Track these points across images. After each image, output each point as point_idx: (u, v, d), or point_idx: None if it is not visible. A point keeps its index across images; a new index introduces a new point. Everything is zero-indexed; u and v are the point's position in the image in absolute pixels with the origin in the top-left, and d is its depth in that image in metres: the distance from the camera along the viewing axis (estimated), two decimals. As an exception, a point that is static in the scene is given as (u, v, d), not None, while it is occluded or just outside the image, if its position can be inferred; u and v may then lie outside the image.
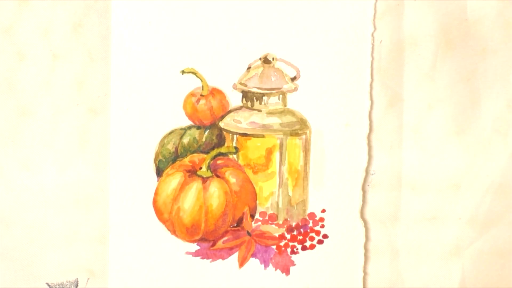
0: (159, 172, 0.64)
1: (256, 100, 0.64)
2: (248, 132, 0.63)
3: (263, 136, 0.63)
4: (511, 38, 0.62)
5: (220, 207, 0.63)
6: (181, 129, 0.64)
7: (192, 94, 0.64)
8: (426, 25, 0.62)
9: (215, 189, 0.63)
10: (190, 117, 0.64)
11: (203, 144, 0.64)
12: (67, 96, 0.64)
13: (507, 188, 0.63)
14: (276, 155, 0.64)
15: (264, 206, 0.64)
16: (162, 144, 0.64)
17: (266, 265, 0.64)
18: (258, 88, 0.63)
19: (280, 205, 0.64)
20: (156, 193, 0.64)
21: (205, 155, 0.64)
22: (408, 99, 0.63)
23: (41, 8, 0.63)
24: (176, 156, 0.64)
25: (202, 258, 0.64)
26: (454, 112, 0.63)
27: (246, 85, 0.63)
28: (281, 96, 0.64)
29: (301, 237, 0.64)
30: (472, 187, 0.63)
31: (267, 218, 0.64)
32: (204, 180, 0.63)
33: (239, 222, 0.64)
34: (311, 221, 0.64)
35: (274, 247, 0.64)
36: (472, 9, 0.62)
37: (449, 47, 0.63)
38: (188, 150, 0.64)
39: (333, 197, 0.63)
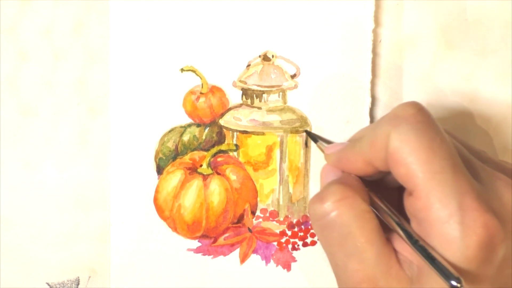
0: (160, 170, 0.65)
1: (256, 98, 0.64)
2: (248, 130, 0.64)
3: (263, 134, 0.64)
4: (511, 38, 0.63)
5: (221, 204, 0.64)
6: (181, 127, 0.65)
7: (191, 92, 0.64)
8: (426, 25, 0.63)
9: (215, 186, 0.64)
10: (190, 115, 0.65)
11: (203, 142, 0.65)
12: (68, 96, 0.64)
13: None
14: (276, 153, 0.64)
15: (265, 203, 0.65)
16: (162, 142, 0.65)
17: (267, 261, 0.65)
18: (258, 85, 0.64)
19: (281, 202, 0.65)
20: (156, 191, 0.65)
21: (205, 153, 0.65)
22: (407, 98, 0.63)
23: (43, 7, 0.63)
24: (176, 154, 0.65)
25: (204, 255, 0.65)
26: (454, 112, 0.63)
27: (246, 83, 0.64)
28: (281, 93, 0.64)
29: (302, 234, 0.65)
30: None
31: (268, 215, 0.65)
32: (205, 177, 0.64)
33: (240, 219, 0.65)
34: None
35: (275, 243, 0.65)
36: (472, 9, 0.63)
37: (449, 47, 0.63)
38: (188, 148, 0.65)
39: (333, 194, 0.64)
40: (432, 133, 0.48)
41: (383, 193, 0.53)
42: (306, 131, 0.64)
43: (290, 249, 0.65)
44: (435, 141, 0.47)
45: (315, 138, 0.61)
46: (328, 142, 0.59)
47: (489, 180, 0.49)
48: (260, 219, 0.66)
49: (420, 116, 0.49)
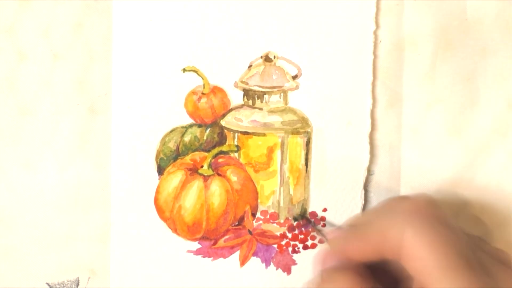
0: (161, 170, 0.66)
1: (257, 99, 0.66)
2: (250, 131, 0.65)
3: (264, 135, 0.65)
4: (511, 38, 0.64)
5: (222, 206, 0.65)
6: (183, 127, 0.66)
7: (193, 93, 0.65)
8: (426, 25, 0.64)
9: (216, 187, 0.65)
10: (191, 115, 0.66)
11: (204, 143, 0.66)
12: (68, 96, 0.65)
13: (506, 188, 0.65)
14: (277, 154, 0.65)
15: (266, 204, 0.66)
16: (163, 142, 0.66)
17: (267, 264, 0.66)
18: (259, 86, 0.65)
19: (281, 204, 0.66)
20: (157, 191, 0.66)
21: (206, 154, 0.66)
22: (407, 99, 0.64)
23: (42, 7, 0.65)
24: (177, 155, 0.66)
25: (204, 257, 0.66)
26: (453, 112, 0.64)
27: (247, 83, 0.65)
28: (282, 94, 0.65)
29: (302, 236, 0.66)
30: (471, 187, 0.65)
31: (268, 217, 0.66)
32: (206, 178, 0.65)
33: (241, 220, 0.66)
34: (312, 220, 0.66)
35: (275, 246, 0.66)
36: (472, 9, 0.64)
37: (449, 47, 0.64)
38: (189, 149, 0.66)
39: (334, 196, 0.65)
40: (446, 228, 0.51)
41: (381, 278, 0.55)
42: (305, 217, 0.66)
43: (290, 252, 0.66)
44: (449, 236, 0.50)
45: (313, 223, 0.64)
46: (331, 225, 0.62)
47: (495, 272, 0.52)
48: (261, 221, 0.67)
49: (434, 211, 0.52)
